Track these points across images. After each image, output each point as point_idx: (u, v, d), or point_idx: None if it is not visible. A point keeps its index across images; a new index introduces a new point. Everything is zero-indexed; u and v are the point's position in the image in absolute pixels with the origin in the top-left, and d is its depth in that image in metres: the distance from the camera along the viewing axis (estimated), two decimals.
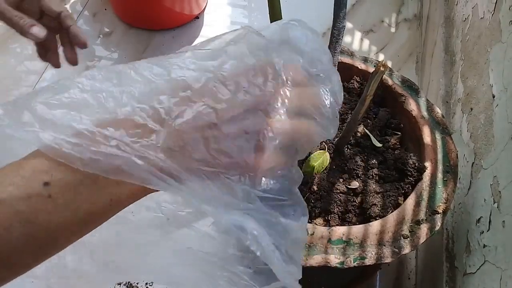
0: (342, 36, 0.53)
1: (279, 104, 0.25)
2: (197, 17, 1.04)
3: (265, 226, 0.27)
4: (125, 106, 0.23)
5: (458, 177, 0.52)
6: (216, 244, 0.40)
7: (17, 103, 0.23)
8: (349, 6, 1.05)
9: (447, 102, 0.74)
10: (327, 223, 0.50)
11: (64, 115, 0.23)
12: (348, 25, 1.03)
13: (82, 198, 0.22)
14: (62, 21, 0.53)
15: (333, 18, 0.52)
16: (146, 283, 0.66)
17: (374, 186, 0.50)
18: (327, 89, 0.27)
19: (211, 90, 0.23)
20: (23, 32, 0.49)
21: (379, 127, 0.57)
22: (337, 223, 0.49)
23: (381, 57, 0.99)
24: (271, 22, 0.48)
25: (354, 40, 1.02)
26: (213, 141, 0.23)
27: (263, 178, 0.25)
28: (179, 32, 1.02)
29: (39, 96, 0.23)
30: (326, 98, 0.26)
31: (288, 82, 0.25)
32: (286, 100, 0.25)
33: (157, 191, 0.24)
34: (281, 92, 0.25)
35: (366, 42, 1.02)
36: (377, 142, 0.54)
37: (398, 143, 0.56)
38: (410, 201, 0.49)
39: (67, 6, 1.05)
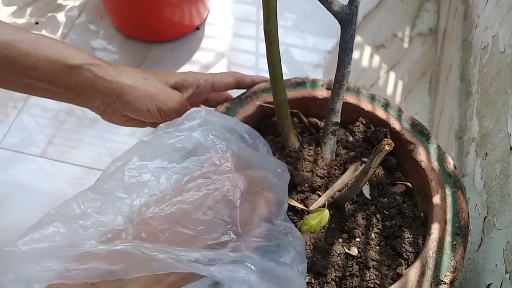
0: (347, 81, 0.49)
1: None
2: (197, 28, 0.98)
3: (260, 274, 0.29)
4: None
5: (469, 235, 0.47)
6: None
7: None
8: (360, 18, 0.99)
9: (460, 138, 0.69)
10: None
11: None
12: (358, 39, 0.97)
13: None
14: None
15: (338, 63, 0.47)
16: None
17: (373, 253, 0.46)
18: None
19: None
20: None
21: (385, 175, 0.53)
22: None
23: (391, 76, 0.93)
24: (264, 32, 0.43)
25: (363, 56, 0.96)
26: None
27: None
28: (178, 45, 0.96)
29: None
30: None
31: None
32: None
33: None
34: None
35: (377, 59, 0.96)
36: (368, 195, 0.50)
37: (405, 194, 0.52)
38: (414, 270, 0.44)
39: (62, 13, 1.00)
